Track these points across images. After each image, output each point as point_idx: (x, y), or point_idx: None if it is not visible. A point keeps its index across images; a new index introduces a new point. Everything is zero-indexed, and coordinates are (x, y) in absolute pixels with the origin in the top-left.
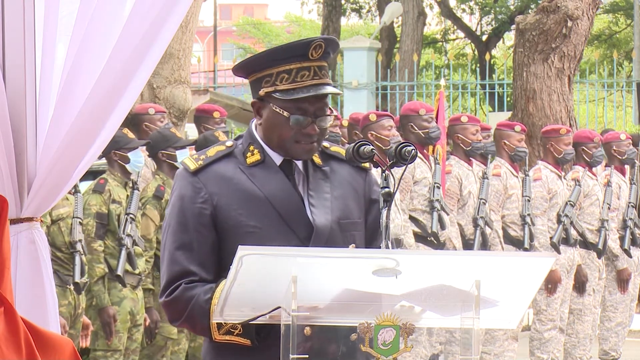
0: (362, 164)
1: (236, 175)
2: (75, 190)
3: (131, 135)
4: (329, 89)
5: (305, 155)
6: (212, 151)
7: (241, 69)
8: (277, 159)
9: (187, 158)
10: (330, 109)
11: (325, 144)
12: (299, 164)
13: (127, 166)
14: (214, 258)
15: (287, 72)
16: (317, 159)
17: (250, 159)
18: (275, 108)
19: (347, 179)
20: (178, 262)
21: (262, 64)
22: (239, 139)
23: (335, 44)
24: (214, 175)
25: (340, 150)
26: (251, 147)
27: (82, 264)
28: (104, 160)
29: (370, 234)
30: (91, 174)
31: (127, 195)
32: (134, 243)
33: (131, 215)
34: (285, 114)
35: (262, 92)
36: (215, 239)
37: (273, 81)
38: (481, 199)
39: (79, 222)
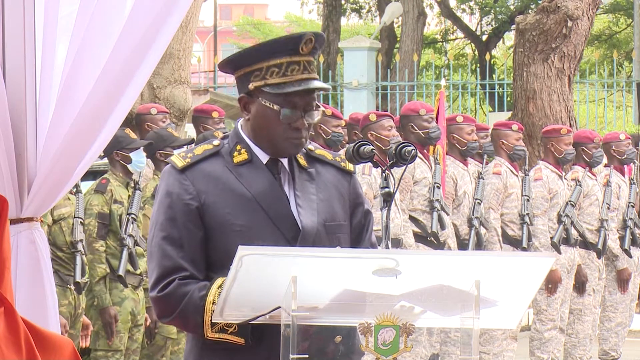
0: (347, 168)
1: (224, 174)
2: (76, 190)
3: (133, 135)
4: (318, 84)
5: (294, 150)
6: (199, 149)
7: (230, 63)
8: (264, 157)
9: (174, 156)
10: (317, 104)
11: (310, 146)
12: (285, 163)
13: (129, 166)
14: (203, 255)
15: (278, 66)
16: (302, 160)
17: (238, 158)
18: (265, 102)
19: (332, 182)
20: (170, 257)
21: (253, 58)
22: (226, 138)
23: (322, 39)
24: (202, 174)
25: (325, 153)
26: (238, 147)
27: (83, 263)
28: (104, 161)
29: (355, 237)
30: (92, 174)
31: (129, 196)
32: (136, 243)
33: (133, 216)
34: (276, 107)
35: (251, 86)
36: (203, 236)
37: (263, 75)
38: (476, 199)
39: (80, 222)
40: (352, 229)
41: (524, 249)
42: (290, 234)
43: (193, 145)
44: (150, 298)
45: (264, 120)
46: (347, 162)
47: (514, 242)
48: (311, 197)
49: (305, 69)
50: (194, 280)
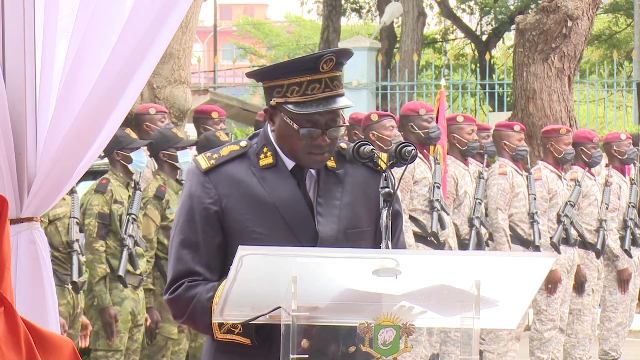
0: (379, 166)
1: (247, 177)
2: (72, 191)
3: (134, 135)
4: (340, 103)
5: (316, 165)
6: (225, 150)
7: (254, 77)
8: (289, 163)
9: (200, 156)
10: (342, 118)
11: (343, 144)
12: None
13: (130, 166)
14: (220, 259)
15: (298, 84)
16: (331, 161)
17: (263, 161)
18: (286, 119)
19: (360, 183)
20: (183, 260)
21: (273, 75)
22: (254, 137)
23: (347, 53)
24: (225, 177)
25: None
26: (265, 149)
27: (80, 263)
28: (104, 161)
29: (380, 240)
30: (92, 174)
31: (129, 196)
32: (136, 243)
33: (133, 216)
34: (295, 126)
35: (273, 102)
36: (221, 240)
37: (284, 92)
38: (477, 198)
39: (76, 222)
40: (378, 231)
41: (536, 248)
42: (308, 243)
43: (197, 146)
44: (164, 300)
45: (285, 135)
46: (380, 159)
47: (525, 243)
48: (335, 202)
49: (327, 86)
50: (203, 282)
